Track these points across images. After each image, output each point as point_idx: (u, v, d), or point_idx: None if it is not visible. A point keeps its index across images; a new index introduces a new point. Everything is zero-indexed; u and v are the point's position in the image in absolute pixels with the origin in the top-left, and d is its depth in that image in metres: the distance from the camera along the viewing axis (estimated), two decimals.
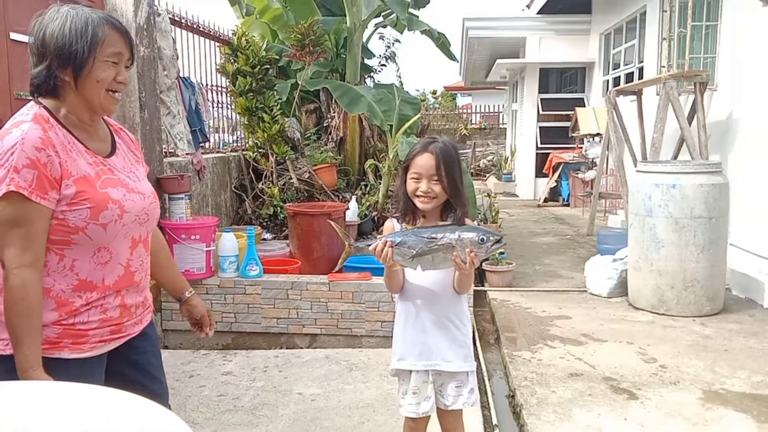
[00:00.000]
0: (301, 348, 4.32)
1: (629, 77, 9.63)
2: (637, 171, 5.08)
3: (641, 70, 9.02)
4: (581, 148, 10.90)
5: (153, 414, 1.22)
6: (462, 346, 2.15)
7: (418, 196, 2.04)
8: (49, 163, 1.51)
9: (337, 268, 1.57)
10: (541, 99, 12.39)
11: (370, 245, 1.98)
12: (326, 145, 6.82)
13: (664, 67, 7.70)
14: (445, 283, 2.13)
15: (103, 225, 1.58)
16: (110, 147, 1.73)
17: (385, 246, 1.95)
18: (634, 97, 7.72)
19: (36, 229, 1.50)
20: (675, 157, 6.47)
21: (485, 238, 1.91)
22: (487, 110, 22.07)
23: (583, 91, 12.24)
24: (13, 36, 3.20)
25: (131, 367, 1.77)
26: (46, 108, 1.60)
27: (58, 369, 1.53)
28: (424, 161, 2.02)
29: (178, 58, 5.03)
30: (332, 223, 1.93)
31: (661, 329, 4.30)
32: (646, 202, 4.69)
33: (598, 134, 9.81)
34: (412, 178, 2.05)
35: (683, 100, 6.62)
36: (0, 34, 3.15)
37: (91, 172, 1.60)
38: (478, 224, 6.41)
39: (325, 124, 7.06)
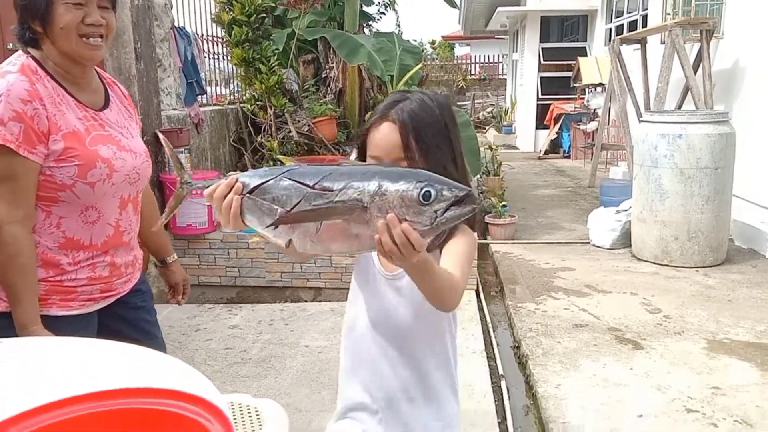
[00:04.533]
0: (306, 302, 4.33)
1: (633, 25, 9.43)
2: (643, 121, 5.01)
3: (645, 17, 8.82)
4: (583, 98, 10.76)
5: (164, 360, 1.21)
6: (440, 417, 1.35)
7: None
8: (35, 116, 1.45)
9: (164, 220, 1.35)
10: (542, 48, 12.17)
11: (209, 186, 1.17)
12: (325, 97, 6.69)
13: (669, 14, 7.52)
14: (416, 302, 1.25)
15: (91, 184, 1.53)
16: (103, 100, 1.66)
17: (229, 190, 1.12)
18: (638, 46, 7.56)
19: (25, 183, 1.46)
20: (679, 107, 6.38)
21: (431, 192, 0.96)
22: (486, 60, 21.71)
23: (585, 41, 12.02)
24: None
25: (126, 324, 1.74)
26: (34, 58, 1.54)
27: (48, 326, 1.50)
28: (383, 137, 1.23)
29: (171, 8, 4.88)
30: (162, 138, 1.42)
31: (665, 280, 4.30)
32: (652, 152, 4.63)
33: (600, 84, 9.67)
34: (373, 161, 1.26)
35: (688, 48, 6.49)
36: None
37: (80, 127, 1.54)
38: (479, 179, 6.42)
39: (323, 75, 6.91)
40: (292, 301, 4.33)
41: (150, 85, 4.22)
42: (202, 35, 5.88)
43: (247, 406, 1.69)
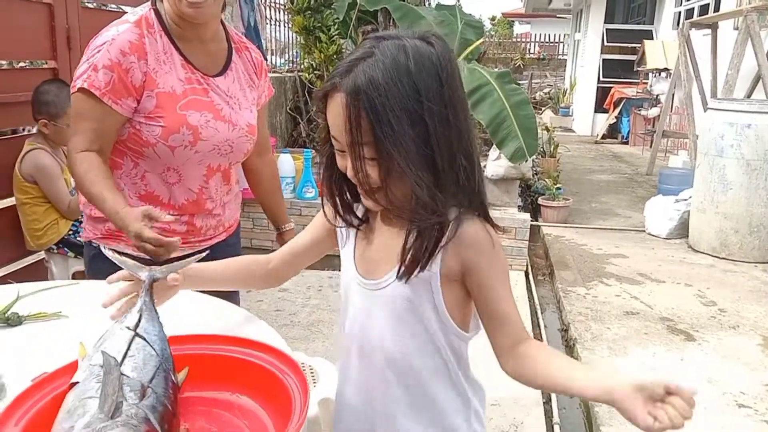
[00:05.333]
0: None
1: (704, 9, 9.04)
2: (710, 108, 4.83)
3: (718, 1, 8.45)
4: (645, 83, 10.42)
5: (247, 316, 1.27)
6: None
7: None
8: (130, 69, 1.47)
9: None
10: (607, 29, 11.78)
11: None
12: None
13: None
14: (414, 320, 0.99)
15: (171, 147, 1.54)
16: (222, 66, 1.64)
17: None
18: (709, 31, 7.26)
19: (101, 127, 1.49)
20: (749, 96, 6.13)
21: None
22: (546, 40, 21.21)
23: (652, 23, 11.60)
24: None
25: None
26: (156, 12, 1.55)
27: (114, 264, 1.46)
28: (332, 115, 0.91)
29: None
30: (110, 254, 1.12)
31: (722, 273, 4.18)
32: (718, 141, 4.47)
33: (665, 69, 9.34)
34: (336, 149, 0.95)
35: (764, 36, 6.20)
36: None
37: (178, 88, 1.54)
38: (535, 160, 6.30)
39: None
40: (340, 269, 4.38)
41: None
42: (265, 1, 5.91)
43: (302, 363, 1.74)
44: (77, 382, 0.81)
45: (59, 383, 0.85)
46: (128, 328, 0.92)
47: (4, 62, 3.24)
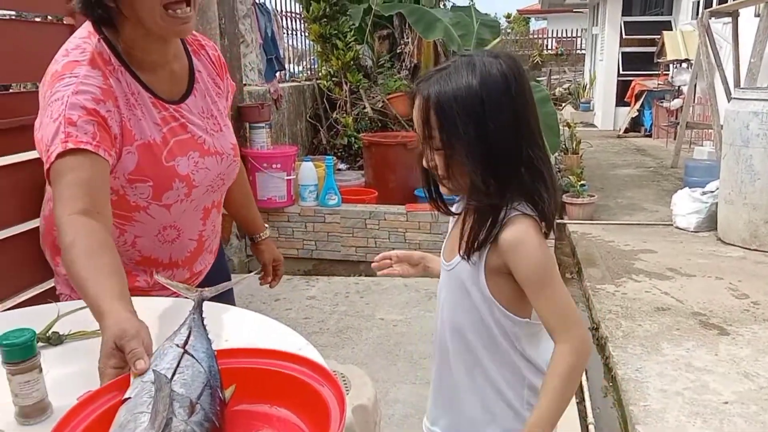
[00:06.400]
0: (379, 276, 4.38)
1: None
2: (734, 98, 4.76)
3: None
4: (666, 75, 10.29)
5: (283, 329, 1.29)
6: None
7: None
8: (109, 118, 1.23)
9: None
10: (625, 22, 11.65)
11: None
12: (399, 72, 6.69)
13: None
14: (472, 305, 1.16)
15: (167, 206, 1.36)
16: (186, 82, 1.42)
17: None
18: (729, 20, 7.15)
19: (95, 182, 1.18)
20: None
21: None
22: (563, 35, 21.06)
23: (670, 14, 11.45)
24: None
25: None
26: (106, 40, 1.28)
27: None
28: (414, 112, 1.13)
29: None
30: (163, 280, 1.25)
31: (753, 265, 4.11)
32: (743, 131, 4.40)
33: (685, 60, 9.22)
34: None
35: None
36: None
37: (157, 136, 1.32)
38: (557, 157, 6.24)
39: (398, 51, 6.90)
40: (366, 275, 4.39)
41: (233, 61, 4.33)
42: (281, 11, 5.97)
43: (334, 371, 1.75)
44: (129, 398, 0.83)
45: (105, 400, 0.87)
46: (178, 345, 0.94)
47: (29, 84, 3.31)
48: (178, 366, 0.89)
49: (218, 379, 0.91)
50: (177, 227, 1.42)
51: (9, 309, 2.36)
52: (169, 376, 0.86)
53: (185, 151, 1.36)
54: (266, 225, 1.87)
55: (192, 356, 0.92)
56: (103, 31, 1.28)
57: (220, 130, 1.46)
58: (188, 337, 0.97)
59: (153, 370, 0.87)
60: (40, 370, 0.98)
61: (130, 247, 1.40)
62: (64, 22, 2.87)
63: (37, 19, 3.78)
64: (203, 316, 1.05)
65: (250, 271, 4.47)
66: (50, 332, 1.23)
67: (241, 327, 1.35)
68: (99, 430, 0.81)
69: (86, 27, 1.32)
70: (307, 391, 0.93)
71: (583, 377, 2.89)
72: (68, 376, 1.12)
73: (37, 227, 2.76)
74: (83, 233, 1.09)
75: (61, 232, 1.11)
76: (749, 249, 4.39)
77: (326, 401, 0.88)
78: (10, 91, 3.99)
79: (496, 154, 1.06)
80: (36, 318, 1.26)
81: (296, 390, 0.94)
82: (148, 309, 1.34)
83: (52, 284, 2.91)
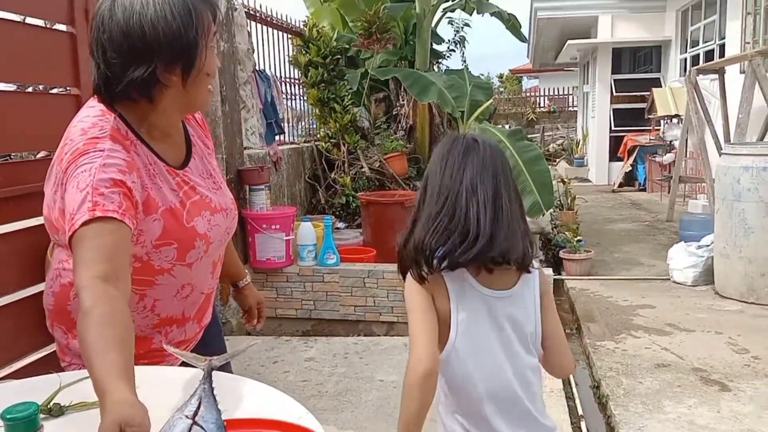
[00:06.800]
0: (379, 335, 4.38)
1: (709, 55, 9.20)
2: (724, 153, 4.86)
3: (722, 47, 8.59)
4: (657, 130, 10.50)
5: (281, 396, 1.30)
6: None
7: None
8: (134, 188, 1.27)
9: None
10: (615, 80, 11.98)
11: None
12: (396, 133, 6.84)
13: (748, 43, 7.31)
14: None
15: (189, 264, 1.42)
16: (185, 149, 1.48)
17: None
18: (716, 76, 7.37)
19: (117, 249, 1.19)
20: (761, 139, 6.15)
21: None
22: (555, 93, 21.55)
23: (659, 71, 11.77)
24: None
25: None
26: (122, 118, 1.33)
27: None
28: None
29: (253, 52, 5.14)
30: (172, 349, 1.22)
31: (752, 319, 4.11)
32: (735, 186, 4.48)
33: (675, 116, 9.43)
34: None
35: None
36: None
37: (176, 201, 1.38)
38: (553, 213, 6.31)
39: (394, 113, 7.08)
40: (365, 335, 4.38)
41: (234, 126, 4.44)
42: (281, 77, 6.14)
43: None
44: None
45: None
46: (187, 416, 0.95)
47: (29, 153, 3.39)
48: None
49: None
50: (192, 284, 1.47)
51: (8, 375, 2.36)
52: None
53: (199, 212, 1.42)
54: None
55: (201, 428, 0.93)
56: (116, 109, 1.33)
57: (219, 188, 1.52)
58: (198, 407, 0.98)
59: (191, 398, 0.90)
60: None
61: (149, 312, 1.44)
62: (71, 92, 2.97)
63: (40, 88, 3.89)
64: (213, 386, 1.06)
65: (249, 334, 4.47)
66: (52, 403, 1.25)
67: (240, 396, 1.36)
68: None
69: (95, 106, 1.35)
70: None
71: None
72: None
73: (36, 293, 2.79)
74: (103, 301, 1.09)
75: (81, 296, 1.11)
76: (747, 302, 4.40)
77: None
78: (10, 160, 4.07)
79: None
80: (36, 389, 1.27)
81: None
82: (156, 377, 1.36)
83: (51, 350, 2.91)
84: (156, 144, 1.38)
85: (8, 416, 0.95)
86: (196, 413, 0.96)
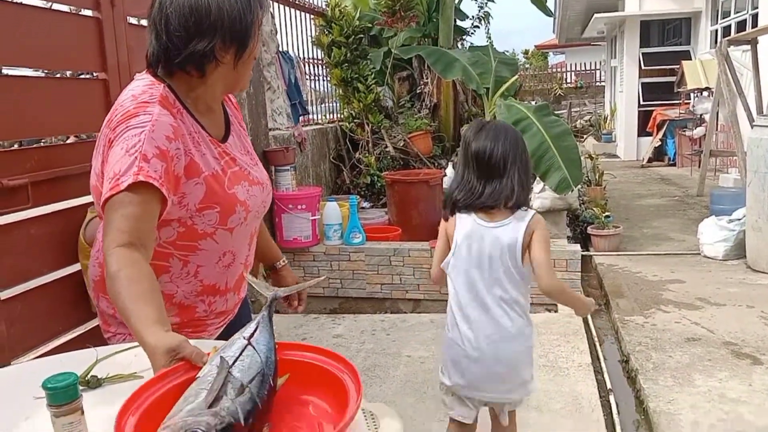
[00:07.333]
0: (405, 313, 4.40)
1: (741, 26, 8.94)
2: (756, 125, 4.75)
3: (755, 17, 8.35)
4: (687, 103, 10.28)
5: None
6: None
7: None
8: (176, 156, 1.34)
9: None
10: (643, 53, 11.71)
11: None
12: (420, 112, 6.81)
13: None
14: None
15: (230, 229, 1.47)
16: (224, 127, 1.56)
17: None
18: (748, 47, 7.16)
19: (150, 222, 1.29)
20: None
21: None
22: (582, 68, 21.18)
23: (689, 44, 11.49)
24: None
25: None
26: (170, 88, 1.41)
27: None
28: None
29: (276, 33, 5.14)
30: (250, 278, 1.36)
31: None
32: (767, 157, 4.38)
33: (706, 89, 9.21)
34: None
35: None
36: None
37: (218, 168, 1.45)
38: (581, 189, 6.22)
39: (418, 91, 7.04)
40: (391, 312, 4.41)
41: (259, 107, 4.46)
42: (304, 58, 6.14)
43: (362, 409, 1.77)
44: (199, 376, 0.99)
45: (181, 373, 1.05)
46: (245, 338, 1.07)
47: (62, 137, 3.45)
48: (240, 355, 1.02)
49: (273, 369, 1.04)
50: (233, 252, 1.53)
51: (48, 353, 2.43)
52: (231, 362, 1.00)
53: (239, 181, 1.49)
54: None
55: (254, 348, 1.05)
56: (165, 80, 1.41)
57: (256, 164, 1.60)
58: (255, 330, 1.09)
59: (220, 356, 1.01)
60: (82, 412, 1.03)
61: (193, 278, 1.49)
62: (98, 77, 3.01)
63: (68, 74, 3.95)
64: (273, 312, 1.18)
65: (278, 311, 4.53)
66: (89, 376, 1.29)
67: None
68: (171, 399, 0.96)
69: (144, 78, 1.43)
70: (334, 380, 1.07)
71: (614, 410, 2.87)
72: (107, 418, 1.17)
73: (72, 273, 2.86)
74: (128, 264, 1.21)
75: (108, 260, 1.22)
76: None
77: (347, 387, 1.03)
78: (41, 144, 4.16)
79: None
80: (75, 363, 1.32)
81: (327, 379, 1.08)
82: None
83: (87, 328, 2.99)
84: (200, 116, 1.45)
85: (49, 385, 0.99)
86: (252, 336, 1.08)
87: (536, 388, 2.07)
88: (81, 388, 1.24)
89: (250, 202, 1.50)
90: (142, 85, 1.40)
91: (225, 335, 1.59)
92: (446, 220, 2.00)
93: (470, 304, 1.93)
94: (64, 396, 0.99)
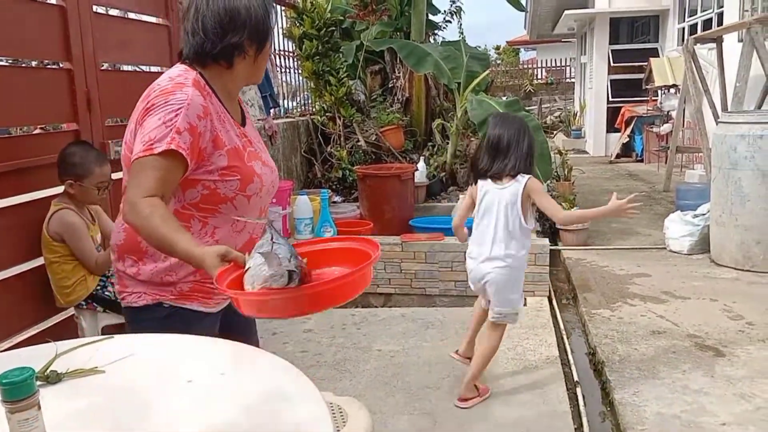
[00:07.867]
0: (376, 307, 4.40)
1: (707, 24, 9.11)
2: (721, 122, 4.85)
3: (720, 15, 8.51)
4: (655, 100, 10.45)
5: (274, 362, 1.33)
6: None
7: None
8: (203, 133, 1.56)
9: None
10: (612, 50, 11.87)
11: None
12: (392, 106, 6.80)
13: (747, 11, 7.24)
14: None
15: (248, 197, 1.66)
16: (240, 114, 1.78)
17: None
18: (713, 45, 7.31)
19: (171, 183, 1.54)
20: (759, 107, 6.12)
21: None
22: (552, 65, 21.39)
23: (657, 41, 11.67)
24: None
25: (227, 323, 1.80)
26: (201, 74, 1.63)
27: (187, 318, 1.67)
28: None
29: None
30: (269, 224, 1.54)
31: (747, 286, 4.15)
32: (731, 154, 4.47)
33: (673, 86, 9.37)
34: None
35: None
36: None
37: (239, 144, 1.66)
38: (550, 184, 6.30)
39: (390, 85, 7.03)
40: (362, 307, 4.41)
41: None
42: (275, 50, 6.08)
43: (330, 403, 1.77)
44: (250, 266, 1.30)
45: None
46: (265, 241, 1.35)
47: (25, 127, 3.37)
48: (272, 246, 1.31)
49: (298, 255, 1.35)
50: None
51: (9, 348, 2.37)
52: (270, 247, 1.30)
53: (254, 159, 1.71)
54: None
55: (278, 234, 1.37)
56: (196, 68, 1.64)
57: (265, 152, 1.82)
58: (271, 238, 1.34)
59: (264, 242, 1.34)
60: (39, 408, 1.00)
61: (209, 237, 1.67)
62: (63, 67, 2.94)
63: (33, 64, 3.85)
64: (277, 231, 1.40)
65: None
66: (49, 371, 1.26)
67: (234, 360, 1.38)
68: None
69: (178, 66, 1.66)
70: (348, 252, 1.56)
71: (580, 402, 2.90)
72: (67, 413, 1.14)
73: (36, 267, 2.79)
74: (156, 207, 1.47)
75: (137, 208, 1.47)
76: (742, 270, 4.43)
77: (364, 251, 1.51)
78: (9, 134, 4.05)
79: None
80: (35, 358, 1.29)
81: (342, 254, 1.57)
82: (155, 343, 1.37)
83: (51, 323, 2.93)
84: (226, 103, 1.69)
85: (4, 380, 0.96)
86: (272, 238, 1.33)
87: (521, 308, 2.88)
88: (39, 383, 1.21)
89: (264, 178, 1.72)
90: (178, 70, 1.63)
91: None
92: (473, 185, 2.87)
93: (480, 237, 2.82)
94: (19, 391, 0.96)
